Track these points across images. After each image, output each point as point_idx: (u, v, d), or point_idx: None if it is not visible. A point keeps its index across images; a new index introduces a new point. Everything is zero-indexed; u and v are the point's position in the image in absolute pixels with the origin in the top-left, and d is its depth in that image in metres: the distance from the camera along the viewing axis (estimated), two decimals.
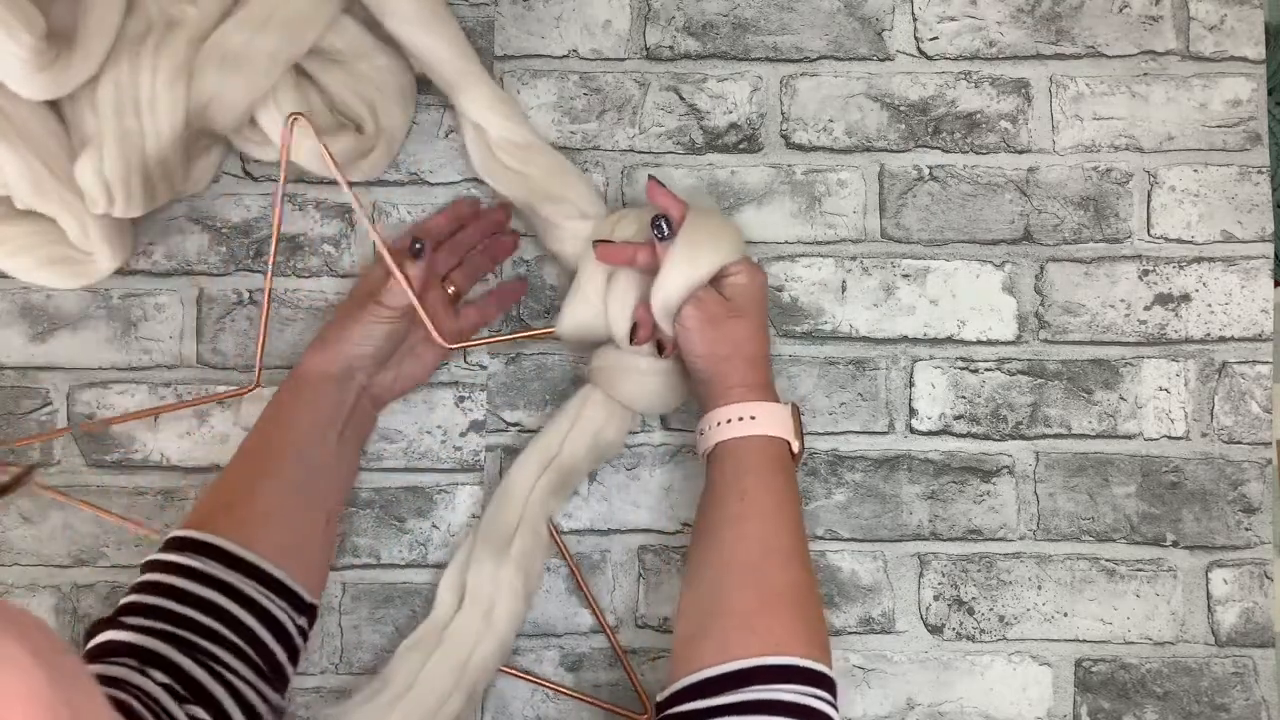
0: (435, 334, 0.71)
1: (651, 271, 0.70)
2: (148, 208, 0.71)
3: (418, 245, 0.69)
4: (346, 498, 0.76)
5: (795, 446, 0.67)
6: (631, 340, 0.72)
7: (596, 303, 0.73)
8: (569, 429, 0.74)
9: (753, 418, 0.66)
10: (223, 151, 0.78)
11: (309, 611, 0.66)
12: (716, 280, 0.69)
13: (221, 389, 0.78)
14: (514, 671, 0.76)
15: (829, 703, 0.58)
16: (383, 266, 0.71)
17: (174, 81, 0.68)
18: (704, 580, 0.63)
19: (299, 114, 0.69)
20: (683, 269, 0.68)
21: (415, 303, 0.69)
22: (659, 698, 0.61)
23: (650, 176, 0.72)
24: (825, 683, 0.58)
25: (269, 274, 0.73)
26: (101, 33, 0.67)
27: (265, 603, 0.62)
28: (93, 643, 0.57)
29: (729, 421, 0.66)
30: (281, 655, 0.62)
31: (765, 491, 0.64)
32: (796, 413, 0.68)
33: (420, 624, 0.73)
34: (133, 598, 0.60)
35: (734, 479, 0.65)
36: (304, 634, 0.66)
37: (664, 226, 0.69)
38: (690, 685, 0.58)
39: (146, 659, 0.56)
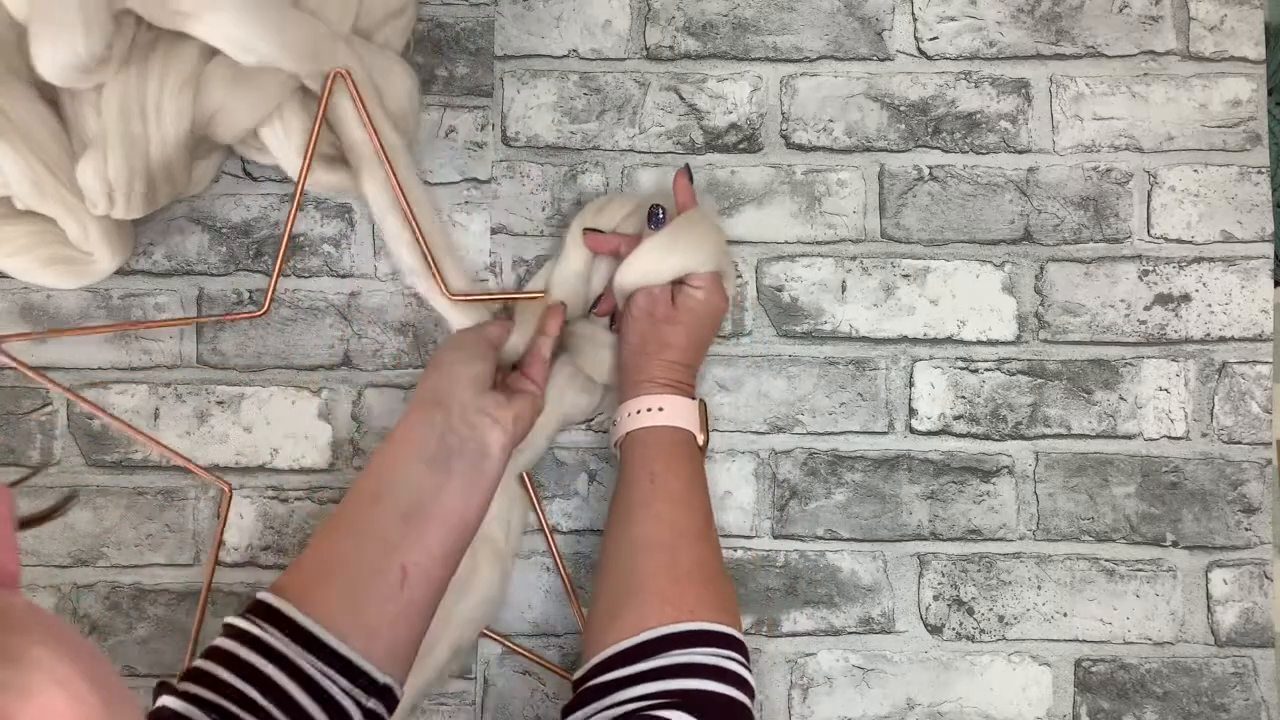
0: (440, 285, 0.74)
1: None
2: (149, 210, 0.71)
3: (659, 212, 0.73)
4: (446, 553, 0.64)
5: (700, 439, 0.71)
6: (592, 309, 0.76)
7: (581, 271, 0.76)
8: None
9: (660, 409, 0.70)
10: (224, 153, 0.78)
11: (382, 694, 0.60)
12: (679, 284, 0.72)
13: (221, 388, 0.78)
14: (494, 635, 0.76)
15: (742, 664, 0.60)
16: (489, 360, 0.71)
17: (181, 90, 0.69)
18: (618, 561, 0.66)
19: (342, 71, 0.72)
20: (649, 259, 0.71)
21: (425, 248, 0.73)
22: (575, 676, 0.62)
23: (685, 166, 0.75)
24: (737, 645, 0.61)
25: (294, 207, 0.74)
26: (123, 38, 0.67)
27: (324, 682, 0.57)
28: (151, 708, 0.56)
29: (639, 412, 0.70)
30: None
31: (673, 476, 0.68)
32: (704, 408, 0.72)
33: None
34: (198, 663, 0.58)
35: (643, 465, 0.68)
36: (375, 717, 0.60)
37: (659, 215, 0.73)
38: (607, 658, 0.60)
39: None
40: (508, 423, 0.65)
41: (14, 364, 0.76)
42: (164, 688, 0.56)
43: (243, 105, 0.71)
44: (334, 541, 0.63)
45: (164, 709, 0.55)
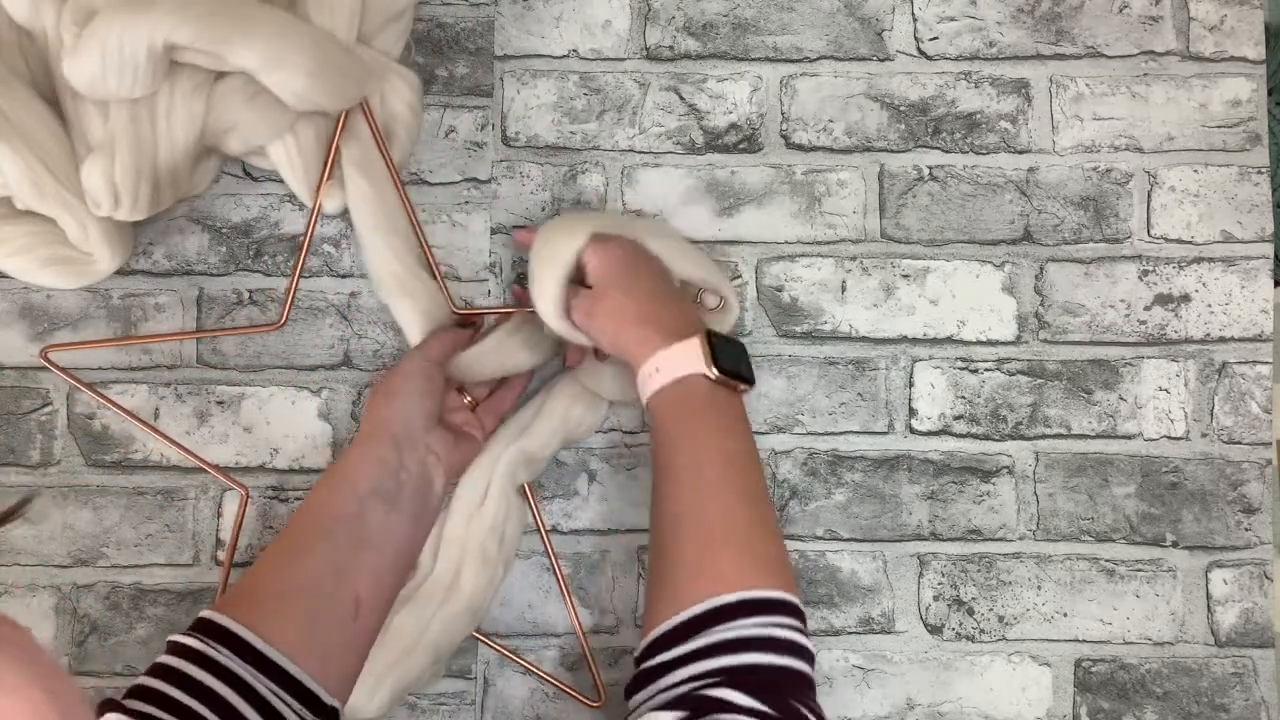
0: (447, 296, 0.76)
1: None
2: (152, 212, 0.71)
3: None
4: (393, 584, 0.67)
5: (711, 374, 0.63)
6: (566, 366, 0.77)
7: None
8: (542, 403, 0.76)
9: (658, 369, 0.65)
10: (224, 155, 0.78)
11: (329, 714, 0.61)
12: (580, 272, 0.71)
13: (221, 388, 0.78)
14: (482, 638, 0.76)
15: (791, 627, 0.57)
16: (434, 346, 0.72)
17: (193, 95, 0.69)
18: (654, 541, 0.64)
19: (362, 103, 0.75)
20: (539, 299, 0.70)
21: (426, 249, 0.74)
22: (635, 654, 0.61)
23: (515, 228, 0.77)
24: (783, 608, 0.57)
25: (308, 235, 0.74)
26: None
27: (276, 703, 0.57)
28: None
29: (644, 381, 0.66)
30: None
31: (687, 437, 0.63)
32: (707, 339, 0.65)
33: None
34: (144, 680, 0.56)
35: (661, 434, 0.64)
36: None
37: (521, 274, 0.73)
38: (655, 639, 0.58)
39: None
40: (451, 468, 0.71)
41: (76, 383, 0.77)
42: (110, 705, 0.54)
43: (261, 124, 0.72)
44: (287, 568, 0.63)
45: None
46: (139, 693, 0.56)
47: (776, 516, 0.63)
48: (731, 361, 0.66)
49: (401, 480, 0.67)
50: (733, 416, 0.65)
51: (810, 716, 0.53)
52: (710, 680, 0.55)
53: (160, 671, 0.57)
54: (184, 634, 0.59)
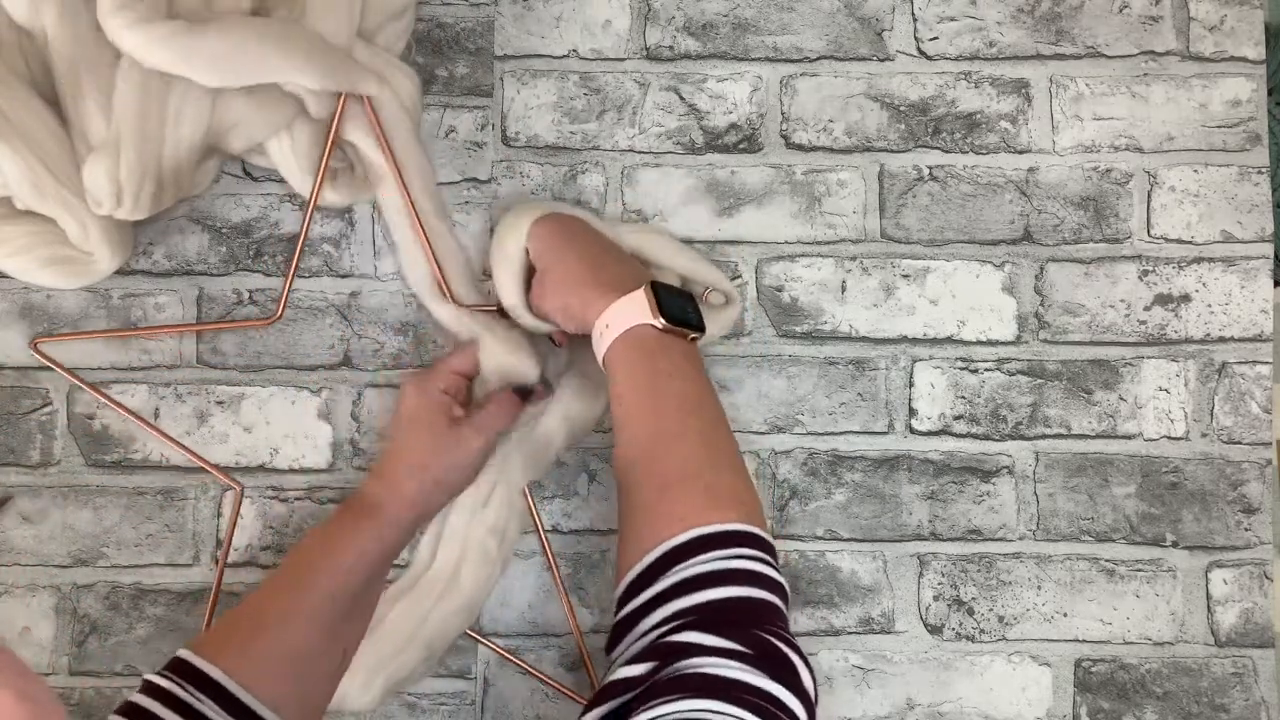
0: (449, 294, 0.76)
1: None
2: (154, 211, 0.71)
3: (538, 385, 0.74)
4: (366, 628, 0.71)
5: (658, 324, 0.63)
6: (556, 344, 0.77)
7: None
8: (545, 404, 0.76)
9: (607, 325, 0.64)
10: (225, 154, 0.78)
11: None
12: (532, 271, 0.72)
13: (221, 388, 0.78)
14: (476, 636, 0.76)
15: (752, 558, 0.56)
16: (438, 382, 0.71)
17: (203, 95, 0.69)
18: (618, 493, 0.63)
19: (365, 96, 0.74)
20: (503, 298, 0.73)
21: (430, 257, 0.74)
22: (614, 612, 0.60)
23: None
24: (744, 539, 0.56)
25: (302, 233, 0.74)
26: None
27: None
28: None
29: (597, 341, 0.66)
30: None
31: (632, 387, 0.63)
32: (652, 290, 0.65)
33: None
34: (114, 719, 0.56)
35: (616, 386, 0.64)
36: None
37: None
38: (624, 589, 0.58)
39: None
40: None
41: (68, 375, 0.77)
42: None
43: (259, 120, 0.72)
44: (287, 626, 0.63)
45: None
46: None
47: (738, 451, 0.62)
48: (678, 310, 0.65)
49: (400, 550, 0.70)
50: (685, 360, 0.64)
51: (778, 644, 0.52)
52: (676, 623, 0.53)
53: (131, 712, 0.56)
54: (159, 674, 0.59)
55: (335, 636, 0.65)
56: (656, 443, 0.61)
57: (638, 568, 0.57)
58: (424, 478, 0.68)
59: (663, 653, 0.51)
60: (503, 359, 0.74)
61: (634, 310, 0.64)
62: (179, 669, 0.59)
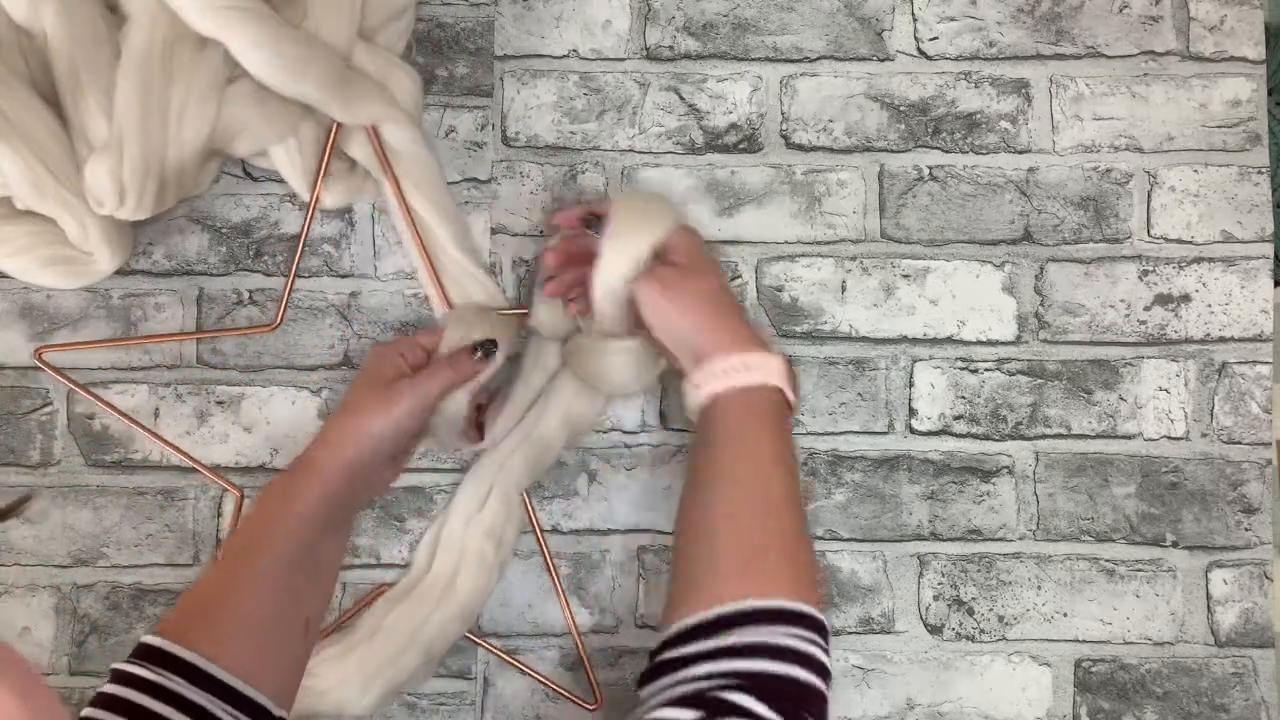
0: (442, 299, 0.76)
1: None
2: (156, 211, 0.71)
3: (488, 348, 0.72)
4: (330, 597, 0.71)
5: (791, 397, 0.66)
6: (547, 292, 0.74)
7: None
8: (542, 406, 0.76)
9: (748, 367, 0.65)
10: (227, 156, 0.78)
11: None
12: (659, 255, 0.70)
13: (221, 388, 0.78)
14: (474, 638, 0.76)
15: (819, 645, 0.57)
16: (398, 347, 0.72)
17: (207, 95, 0.69)
18: (699, 530, 0.63)
19: (367, 127, 0.74)
20: (618, 255, 0.69)
21: (425, 264, 0.74)
22: (653, 647, 0.60)
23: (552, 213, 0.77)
24: (815, 624, 0.58)
25: (301, 240, 0.74)
26: None
27: None
28: None
29: (725, 372, 0.65)
30: None
31: (761, 442, 0.64)
32: (789, 364, 0.67)
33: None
34: (90, 712, 0.55)
35: (733, 430, 0.64)
36: None
37: (594, 221, 0.71)
38: (679, 632, 0.58)
39: None
40: (386, 485, 0.76)
41: (74, 385, 0.77)
42: None
43: (265, 125, 0.72)
44: (243, 593, 0.62)
45: None
46: None
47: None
48: (798, 393, 0.70)
49: (349, 509, 0.70)
50: (790, 437, 0.67)
51: None
52: (728, 682, 0.54)
53: (109, 702, 0.56)
54: (129, 662, 0.58)
55: (296, 599, 0.64)
56: (767, 506, 0.62)
57: (705, 614, 0.58)
58: (358, 433, 0.67)
59: (712, 707, 0.52)
60: (467, 336, 0.73)
61: (774, 371, 0.66)
62: (147, 654, 0.59)
